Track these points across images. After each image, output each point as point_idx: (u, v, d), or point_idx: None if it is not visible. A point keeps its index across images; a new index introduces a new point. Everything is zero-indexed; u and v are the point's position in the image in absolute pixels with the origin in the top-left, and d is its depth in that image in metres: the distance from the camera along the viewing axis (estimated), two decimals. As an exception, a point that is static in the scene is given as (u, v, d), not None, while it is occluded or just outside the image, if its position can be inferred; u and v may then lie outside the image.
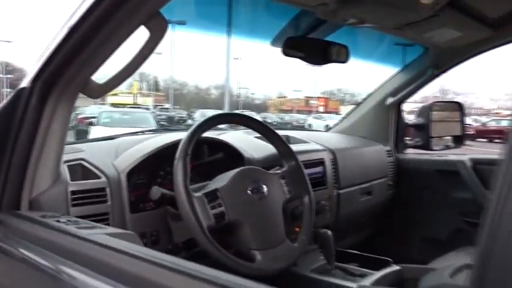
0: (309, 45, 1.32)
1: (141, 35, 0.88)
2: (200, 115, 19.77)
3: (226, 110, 18.69)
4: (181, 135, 1.24)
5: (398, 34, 1.52)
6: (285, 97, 54.24)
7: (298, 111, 41.21)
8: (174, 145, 1.16)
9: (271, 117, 29.90)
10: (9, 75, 32.87)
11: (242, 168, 1.16)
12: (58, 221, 0.84)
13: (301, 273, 1.27)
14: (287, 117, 31.43)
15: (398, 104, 1.99)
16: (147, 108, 20.09)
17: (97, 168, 1.12)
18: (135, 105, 23.17)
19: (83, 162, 1.13)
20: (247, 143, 1.45)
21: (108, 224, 1.06)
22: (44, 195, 0.96)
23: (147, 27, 0.84)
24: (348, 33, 1.45)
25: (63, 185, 1.01)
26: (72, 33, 0.86)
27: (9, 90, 32.39)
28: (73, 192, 1.02)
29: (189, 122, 19.91)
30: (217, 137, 1.36)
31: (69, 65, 0.91)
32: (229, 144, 1.37)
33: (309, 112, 37.63)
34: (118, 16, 0.80)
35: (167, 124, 14.93)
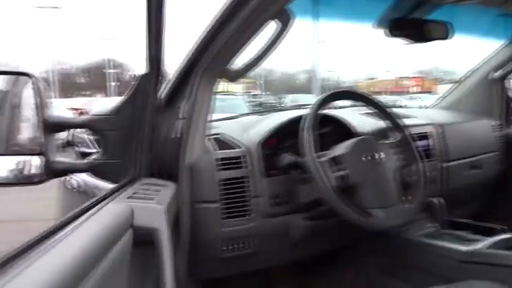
0: (412, 25, 1.41)
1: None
2: (291, 100, 19.89)
3: (315, 94, 18.70)
4: (293, 114, 1.47)
5: (503, 7, 1.53)
6: (375, 79, 52.34)
7: (390, 93, 39.55)
8: (294, 121, 1.38)
9: (361, 100, 28.83)
10: (114, 70, 35.93)
11: (359, 138, 1.34)
12: (138, 184, 1.01)
13: (412, 238, 1.38)
14: (379, 99, 30.19)
15: (502, 79, 1.98)
16: (240, 95, 20.65)
17: (234, 140, 1.36)
18: (227, 92, 23.77)
19: (221, 136, 1.38)
20: (354, 118, 1.60)
21: (246, 186, 1.31)
22: (197, 163, 1.22)
23: (276, 21, 1.02)
24: (448, 9, 1.50)
25: (210, 154, 1.28)
26: (215, 29, 1.05)
27: (114, 83, 35.37)
28: (218, 160, 1.27)
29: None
30: (327, 112, 1.52)
31: (209, 55, 1.11)
32: (339, 119, 1.53)
33: (402, 93, 35.91)
34: (253, 14, 0.97)
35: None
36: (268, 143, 1.38)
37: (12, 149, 0.96)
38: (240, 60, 1.15)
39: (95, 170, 1.06)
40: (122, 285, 0.73)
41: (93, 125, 1.04)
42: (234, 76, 1.17)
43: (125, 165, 1.06)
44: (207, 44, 1.09)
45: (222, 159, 1.28)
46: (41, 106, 0.91)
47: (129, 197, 0.89)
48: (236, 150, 1.33)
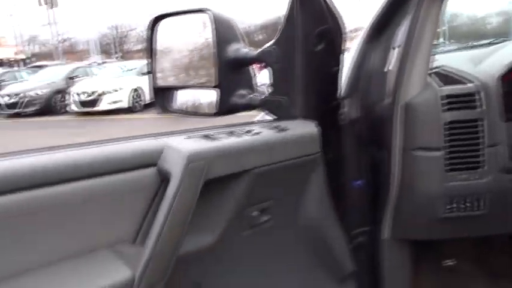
0: None
1: None
2: (483, 48, 17.51)
3: None
4: None
5: None
6: None
7: None
8: None
9: None
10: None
11: None
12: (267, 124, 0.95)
13: None
14: None
15: None
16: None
17: (462, 74, 1.15)
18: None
19: (443, 69, 1.18)
20: None
21: (479, 131, 1.07)
22: (416, 101, 1.06)
23: None
24: None
25: (433, 91, 1.07)
26: None
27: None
28: (443, 98, 1.06)
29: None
30: None
31: None
32: None
33: None
34: None
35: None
36: (509, 77, 1.10)
37: (190, 82, 1.03)
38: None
39: (266, 107, 1.04)
40: (133, 214, 0.74)
41: (263, 58, 1.00)
42: None
43: (287, 102, 1.00)
44: None
45: (449, 96, 1.05)
46: (217, 41, 0.93)
47: (205, 136, 0.84)
48: (467, 85, 1.08)
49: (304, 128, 0.97)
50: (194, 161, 0.76)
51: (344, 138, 1.08)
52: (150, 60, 1.04)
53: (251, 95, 1.01)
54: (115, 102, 11.52)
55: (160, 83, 1.06)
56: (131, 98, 11.70)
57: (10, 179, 0.63)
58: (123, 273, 0.68)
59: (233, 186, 0.85)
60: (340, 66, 1.02)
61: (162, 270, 0.72)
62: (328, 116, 1.04)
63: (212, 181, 0.80)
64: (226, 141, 0.84)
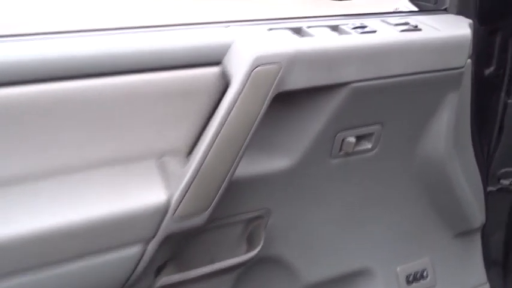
0: None
1: None
2: None
3: None
4: None
5: None
6: None
7: None
8: None
9: None
10: None
11: None
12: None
13: None
14: None
15: None
16: None
17: None
18: None
19: None
20: None
21: None
22: None
23: None
24: None
25: None
26: None
27: None
28: None
29: None
30: None
31: None
32: None
33: None
34: None
35: None
36: None
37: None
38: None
39: None
40: (190, 121, 0.59)
41: None
42: None
43: None
44: None
45: None
46: None
47: (294, 28, 0.65)
48: None
49: (449, 29, 0.71)
50: (263, 64, 0.56)
51: None
52: None
53: None
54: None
55: None
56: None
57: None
58: (157, 196, 0.54)
59: (322, 103, 0.65)
60: None
61: (205, 198, 0.55)
62: (498, 15, 0.78)
63: (292, 93, 0.61)
64: (320, 40, 0.62)
